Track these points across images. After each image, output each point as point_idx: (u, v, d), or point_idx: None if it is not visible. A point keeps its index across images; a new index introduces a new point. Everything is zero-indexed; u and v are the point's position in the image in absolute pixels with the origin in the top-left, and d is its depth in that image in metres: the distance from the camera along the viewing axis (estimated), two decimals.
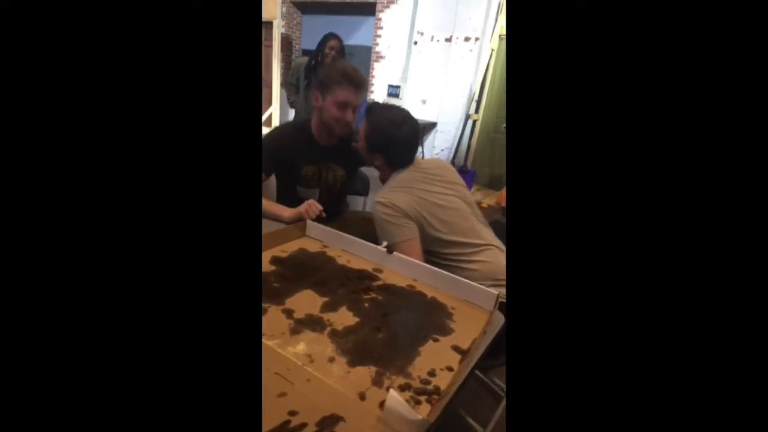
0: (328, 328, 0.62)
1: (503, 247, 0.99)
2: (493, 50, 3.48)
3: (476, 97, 3.68)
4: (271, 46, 3.05)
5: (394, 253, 0.85)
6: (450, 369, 0.56)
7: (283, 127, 1.28)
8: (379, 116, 1.02)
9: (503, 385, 1.10)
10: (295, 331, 0.60)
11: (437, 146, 4.12)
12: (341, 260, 0.87)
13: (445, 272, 0.79)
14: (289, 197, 1.21)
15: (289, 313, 0.65)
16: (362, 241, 0.90)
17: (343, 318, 0.66)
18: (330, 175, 1.23)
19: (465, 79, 3.82)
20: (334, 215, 1.24)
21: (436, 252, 0.95)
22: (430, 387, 0.52)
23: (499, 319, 0.70)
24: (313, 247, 0.92)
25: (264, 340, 0.57)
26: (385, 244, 0.88)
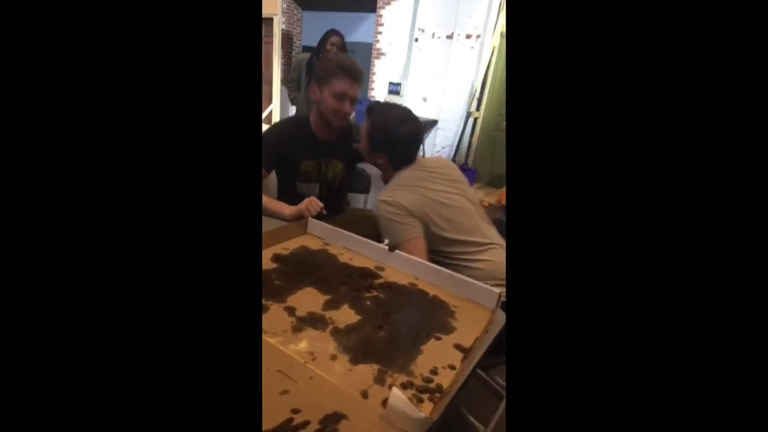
0: (330, 326, 0.62)
1: None
2: (494, 47, 3.47)
3: (477, 95, 3.67)
4: (271, 43, 3.04)
5: (396, 251, 0.85)
6: (452, 367, 0.56)
7: (283, 123, 1.28)
8: (381, 115, 1.01)
9: (505, 384, 1.10)
10: (297, 329, 0.60)
11: (438, 144, 4.11)
12: (343, 258, 0.87)
13: (447, 270, 0.78)
14: (289, 193, 1.21)
15: (291, 310, 0.65)
16: (364, 238, 0.90)
17: (345, 316, 0.66)
18: (329, 170, 1.23)
19: (466, 77, 3.81)
20: (335, 212, 1.24)
21: (440, 251, 0.95)
22: (432, 385, 0.52)
23: (501, 317, 0.70)
24: (314, 244, 0.92)
25: (266, 338, 0.57)
26: (386, 242, 0.88)
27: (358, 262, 0.85)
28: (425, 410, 0.48)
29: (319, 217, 1.00)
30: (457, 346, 0.61)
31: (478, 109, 3.71)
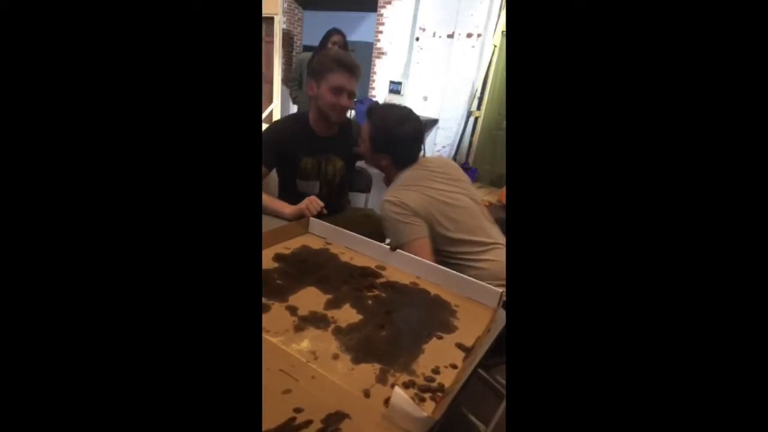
0: (332, 326, 0.62)
1: None
2: (495, 47, 3.46)
3: (478, 94, 3.66)
4: (272, 42, 3.04)
5: (398, 250, 0.85)
6: (454, 366, 0.56)
7: (283, 120, 1.28)
8: (382, 116, 1.01)
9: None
10: (299, 328, 0.60)
11: (438, 143, 4.10)
12: (344, 257, 0.87)
13: (449, 270, 0.78)
14: (290, 192, 1.21)
15: (292, 310, 0.65)
16: (365, 238, 0.90)
17: (347, 315, 0.66)
18: (329, 167, 1.23)
19: (467, 76, 3.80)
20: (336, 211, 1.24)
21: (444, 251, 0.95)
22: (434, 384, 0.52)
23: (503, 316, 0.70)
24: (315, 244, 0.92)
25: (268, 337, 0.57)
26: (387, 241, 0.88)
27: (359, 261, 0.86)
28: (427, 409, 0.48)
29: (319, 216, 1.00)
30: (459, 346, 0.61)
31: (479, 108, 3.70)
